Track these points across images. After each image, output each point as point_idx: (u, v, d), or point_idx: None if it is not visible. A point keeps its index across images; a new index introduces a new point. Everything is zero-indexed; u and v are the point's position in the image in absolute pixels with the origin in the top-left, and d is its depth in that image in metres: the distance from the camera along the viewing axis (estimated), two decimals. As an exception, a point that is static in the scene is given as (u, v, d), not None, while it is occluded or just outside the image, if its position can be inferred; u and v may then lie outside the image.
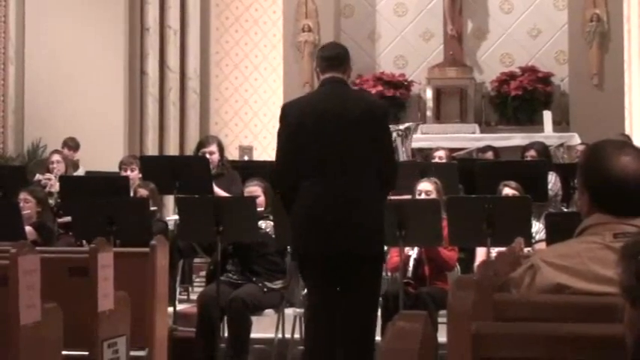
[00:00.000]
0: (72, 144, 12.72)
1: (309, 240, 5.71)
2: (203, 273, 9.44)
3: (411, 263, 7.61)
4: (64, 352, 5.08)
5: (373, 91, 14.88)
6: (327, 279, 5.68)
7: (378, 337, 5.95)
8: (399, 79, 15.51)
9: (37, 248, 5.18)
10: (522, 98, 15.07)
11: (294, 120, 5.75)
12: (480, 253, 7.87)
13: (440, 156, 11.29)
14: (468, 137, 14.12)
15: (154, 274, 6.39)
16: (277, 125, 5.94)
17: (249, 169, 10.20)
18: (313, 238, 5.68)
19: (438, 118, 15.22)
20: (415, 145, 12.41)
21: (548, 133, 13.78)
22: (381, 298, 7.80)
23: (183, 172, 9.21)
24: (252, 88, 16.39)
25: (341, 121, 5.64)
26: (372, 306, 5.88)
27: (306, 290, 6.23)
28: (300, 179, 5.70)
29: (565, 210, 9.54)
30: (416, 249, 7.64)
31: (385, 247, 7.84)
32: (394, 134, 11.25)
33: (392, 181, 5.89)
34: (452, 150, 12.38)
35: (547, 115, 14.23)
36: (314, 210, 5.66)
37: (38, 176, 10.72)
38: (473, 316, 2.62)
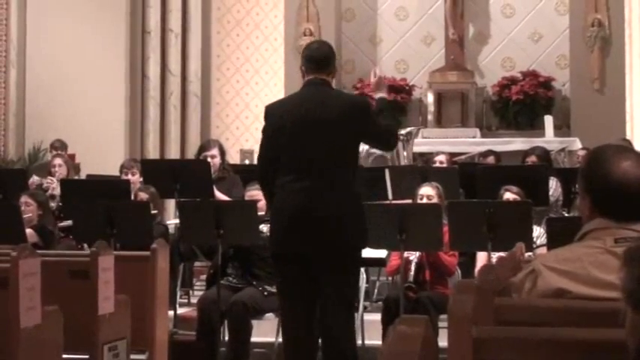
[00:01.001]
0: (58, 144, 12.70)
1: (284, 239, 5.72)
2: (203, 277, 9.42)
3: (413, 267, 7.61)
4: (64, 355, 5.08)
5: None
6: (300, 280, 5.67)
7: (376, 342, 5.94)
8: (400, 84, 15.51)
9: (38, 251, 5.18)
10: (523, 103, 15.07)
11: (275, 120, 5.80)
12: (481, 258, 7.87)
13: (441, 160, 11.28)
14: (468, 142, 14.12)
15: (155, 278, 6.40)
16: None
17: (250, 172, 10.20)
18: (290, 238, 5.68)
19: (439, 122, 15.22)
20: (416, 149, 12.42)
21: (549, 138, 13.77)
22: (381, 302, 7.83)
23: (183, 176, 9.21)
24: (253, 92, 16.39)
25: (319, 122, 5.67)
26: (348, 305, 5.83)
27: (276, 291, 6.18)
28: (278, 178, 5.75)
29: (566, 215, 9.53)
30: (417, 253, 7.64)
31: (385, 251, 7.87)
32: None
33: (392, 142, 6.18)
34: (453, 154, 12.38)
35: (548, 120, 14.23)
36: (287, 210, 5.67)
37: (34, 178, 10.71)
38: (474, 320, 2.62)
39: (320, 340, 5.81)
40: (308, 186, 5.63)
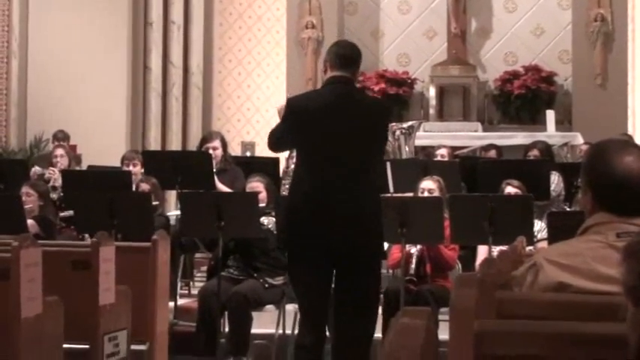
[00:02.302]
0: (61, 135, 12.70)
1: (306, 233, 5.64)
2: (204, 268, 9.43)
3: (414, 260, 7.61)
4: (64, 346, 5.09)
5: (376, 88, 14.90)
6: (320, 276, 5.63)
7: (377, 334, 5.92)
8: (402, 77, 15.50)
9: (39, 242, 5.18)
10: (525, 97, 15.07)
11: (301, 112, 5.75)
12: (482, 252, 7.87)
13: (442, 154, 11.28)
14: (470, 136, 14.12)
15: (156, 269, 6.40)
16: (279, 121, 5.98)
17: (251, 164, 10.21)
18: (310, 231, 5.61)
19: (441, 116, 15.21)
20: (418, 142, 12.40)
21: (550, 133, 13.77)
22: (382, 295, 7.83)
23: (185, 168, 9.22)
24: (254, 84, 16.38)
25: (345, 120, 5.64)
26: (373, 304, 5.82)
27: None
28: (300, 171, 5.76)
29: (568, 209, 9.53)
30: (418, 246, 7.64)
31: (386, 244, 7.87)
32: (397, 132, 11.27)
33: (382, 185, 6.11)
34: (454, 148, 12.38)
35: (550, 115, 14.22)
36: (311, 205, 5.61)
37: (36, 169, 10.72)
38: (475, 313, 2.62)
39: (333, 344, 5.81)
40: (332, 182, 5.58)
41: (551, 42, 15.48)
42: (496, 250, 7.22)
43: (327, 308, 5.73)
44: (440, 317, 6.89)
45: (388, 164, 9.61)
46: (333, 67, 5.76)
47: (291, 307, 7.81)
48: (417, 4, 15.86)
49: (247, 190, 8.25)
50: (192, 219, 7.90)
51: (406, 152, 11.38)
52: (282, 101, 6.61)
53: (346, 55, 5.78)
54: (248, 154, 14.69)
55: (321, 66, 6.25)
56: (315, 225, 5.58)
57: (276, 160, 10.70)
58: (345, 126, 5.63)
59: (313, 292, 5.67)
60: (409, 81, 15.54)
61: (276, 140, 5.95)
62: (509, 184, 8.19)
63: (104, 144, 13.73)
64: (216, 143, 9.77)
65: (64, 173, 9.96)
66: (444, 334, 2.76)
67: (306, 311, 5.78)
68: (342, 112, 5.66)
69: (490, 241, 7.38)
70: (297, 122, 5.74)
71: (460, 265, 7.91)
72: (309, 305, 5.72)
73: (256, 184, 8.17)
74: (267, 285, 7.66)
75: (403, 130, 11.37)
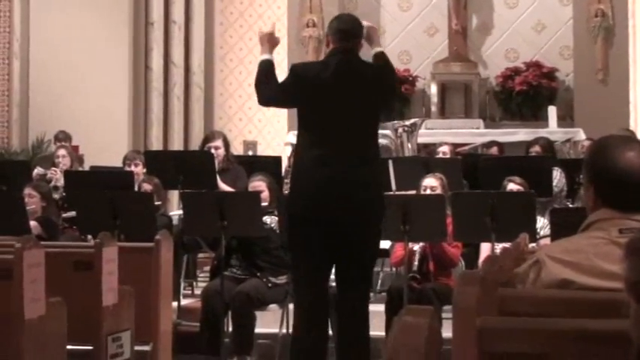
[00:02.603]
0: (62, 136, 12.71)
1: (309, 203, 5.67)
2: (207, 268, 9.43)
3: (417, 258, 7.61)
4: (68, 347, 5.09)
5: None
6: (319, 244, 5.65)
7: (380, 333, 5.93)
8: (403, 75, 15.50)
9: (42, 243, 5.19)
10: (527, 93, 15.07)
11: (306, 79, 5.78)
12: (485, 249, 7.87)
13: (444, 151, 11.27)
14: (472, 132, 14.10)
15: (159, 269, 6.40)
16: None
17: (253, 164, 10.20)
18: (314, 202, 5.64)
19: (443, 113, 15.22)
20: (420, 140, 12.40)
21: (552, 129, 13.75)
22: (385, 293, 7.84)
23: (187, 167, 9.21)
24: (256, 83, 16.36)
25: (348, 89, 5.71)
26: (368, 279, 5.95)
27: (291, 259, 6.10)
28: (302, 140, 5.78)
29: (570, 206, 9.52)
30: (420, 244, 7.64)
31: (389, 242, 7.87)
32: (400, 130, 11.28)
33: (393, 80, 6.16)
34: (456, 145, 12.37)
35: (552, 111, 14.21)
36: (315, 175, 5.65)
37: (38, 170, 10.72)
38: (478, 311, 2.62)
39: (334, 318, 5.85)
40: (336, 152, 5.63)
41: (552, 38, 15.49)
42: (499, 247, 7.21)
43: (327, 296, 5.77)
44: (443, 315, 6.90)
45: (390, 162, 9.62)
46: (334, 41, 5.84)
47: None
48: (417, 1, 15.88)
49: (250, 189, 8.24)
50: (194, 219, 7.89)
51: (408, 150, 11.39)
52: (264, 29, 6.52)
53: (347, 30, 5.85)
54: (250, 153, 14.69)
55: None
56: (318, 200, 5.62)
57: (279, 159, 10.71)
58: (349, 95, 5.69)
59: (314, 258, 5.71)
60: (410, 78, 15.54)
61: (271, 95, 5.92)
62: (511, 180, 8.18)
63: (106, 144, 13.74)
64: (219, 143, 9.77)
65: (67, 174, 9.96)
66: (447, 331, 2.76)
67: (304, 289, 5.79)
68: (345, 81, 5.72)
69: (493, 238, 7.38)
70: (301, 89, 5.76)
71: (463, 263, 7.91)
72: (308, 275, 5.75)
73: (259, 184, 8.17)
74: (270, 284, 7.66)
75: (405, 128, 11.38)
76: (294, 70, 5.91)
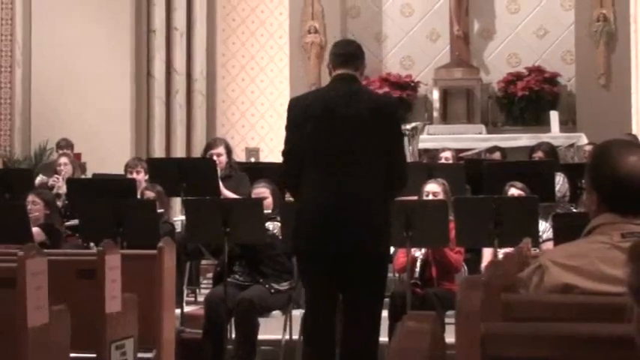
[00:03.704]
0: (64, 144, 12.72)
1: (313, 238, 5.57)
2: (210, 275, 9.43)
3: (419, 264, 7.60)
4: (71, 355, 5.08)
5: (380, 92, 14.87)
6: (327, 280, 5.57)
7: (383, 338, 5.90)
8: (405, 80, 15.51)
9: (45, 250, 5.18)
10: (529, 98, 15.07)
11: (299, 113, 5.66)
12: (487, 254, 7.86)
13: (446, 157, 11.28)
14: (474, 138, 14.10)
15: (162, 276, 6.40)
16: (283, 128, 5.91)
17: (255, 170, 10.20)
18: (317, 236, 5.54)
19: (445, 118, 15.22)
20: (422, 145, 12.40)
21: (554, 134, 13.76)
22: (388, 299, 7.82)
23: (190, 174, 9.21)
24: (258, 90, 16.39)
25: (348, 118, 5.54)
26: (376, 308, 5.73)
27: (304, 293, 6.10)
28: (304, 172, 5.62)
29: (573, 210, 9.52)
30: (423, 250, 7.63)
31: (392, 248, 7.86)
32: (402, 134, 11.25)
33: (403, 178, 5.69)
34: (458, 151, 12.38)
35: (554, 116, 14.21)
36: (318, 208, 5.54)
37: (41, 178, 10.72)
38: (481, 316, 2.61)
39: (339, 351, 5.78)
40: (336, 183, 5.51)
41: (554, 43, 15.49)
42: (501, 252, 7.21)
43: (334, 317, 5.71)
44: (446, 320, 6.89)
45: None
46: (335, 66, 5.72)
47: (297, 313, 7.80)
48: (419, 7, 15.88)
49: (253, 195, 8.24)
50: (197, 226, 7.89)
51: (410, 155, 11.37)
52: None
53: (345, 53, 5.74)
54: (252, 159, 14.70)
55: (325, 70, 6.26)
56: (317, 234, 5.52)
57: (282, 166, 10.68)
58: (349, 121, 5.52)
59: (319, 296, 5.65)
60: (413, 84, 15.55)
61: (286, 158, 5.77)
62: (512, 185, 8.18)
63: (108, 151, 13.75)
64: (221, 149, 9.77)
65: (69, 181, 9.96)
66: (450, 337, 2.76)
67: (312, 318, 5.74)
68: (345, 108, 5.56)
69: (495, 244, 7.37)
70: (296, 121, 5.66)
71: (466, 268, 7.90)
72: (314, 309, 5.71)
73: (262, 190, 8.17)
74: (273, 290, 7.66)
75: (407, 132, 11.36)
76: (289, 105, 5.80)
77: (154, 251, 6.44)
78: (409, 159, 11.02)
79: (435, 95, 15.23)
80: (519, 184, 8.18)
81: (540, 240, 7.62)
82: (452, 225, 7.47)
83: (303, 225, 5.64)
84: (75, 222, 8.90)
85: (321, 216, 5.51)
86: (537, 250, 6.57)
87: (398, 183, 5.70)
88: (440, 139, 13.82)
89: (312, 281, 5.69)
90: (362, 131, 5.54)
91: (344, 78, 5.67)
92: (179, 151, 15.41)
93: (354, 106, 5.56)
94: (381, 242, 5.64)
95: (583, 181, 7.79)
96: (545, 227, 7.92)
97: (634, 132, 13.81)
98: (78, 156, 12.97)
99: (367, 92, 6.01)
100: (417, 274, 7.58)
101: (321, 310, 5.66)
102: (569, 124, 14.80)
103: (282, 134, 5.99)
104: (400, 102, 14.95)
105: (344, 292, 5.64)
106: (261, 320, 7.62)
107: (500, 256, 7.04)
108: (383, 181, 5.56)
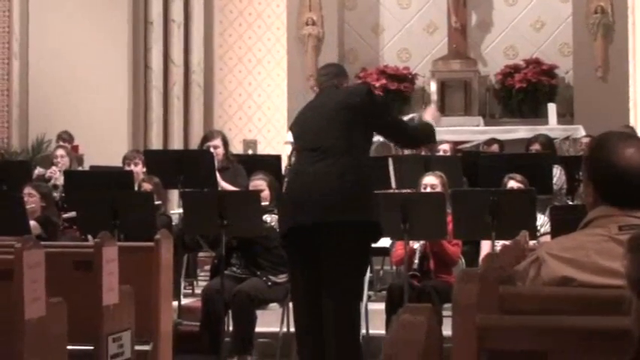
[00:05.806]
0: (66, 136, 12.72)
1: (288, 217, 5.92)
2: (207, 267, 9.43)
3: (417, 255, 7.60)
4: (68, 347, 5.08)
5: (377, 84, 14.87)
6: (306, 256, 5.75)
7: (380, 331, 5.91)
8: (402, 73, 15.49)
9: (42, 243, 5.18)
10: (526, 91, 15.05)
11: (293, 125, 6.31)
12: (485, 247, 7.86)
13: (444, 149, 11.27)
14: (472, 130, 14.08)
15: (159, 269, 6.40)
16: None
17: (253, 162, 10.20)
18: (290, 214, 5.86)
19: (442, 111, 15.15)
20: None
21: (552, 126, 13.73)
22: (385, 292, 7.83)
23: (187, 166, 9.21)
24: (255, 82, 16.37)
25: (324, 110, 5.96)
26: (350, 278, 5.80)
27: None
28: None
29: (570, 203, 9.52)
30: (420, 242, 7.63)
31: (389, 241, 7.86)
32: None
33: (410, 138, 6.59)
34: (456, 143, 12.36)
35: (551, 108, 14.19)
36: (291, 191, 6.02)
37: (39, 170, 10.72)
38: (478, 308, 2.61)
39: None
40: (314, 168, 5.79)
41: (552, 35, 15.46)
42: (499, 244, 7.21)
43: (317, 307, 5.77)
44: (443, 313, 6.89)
45: (390, 160, 9.61)
46: (319, 85, 6.34)
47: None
48: (416, -1, 15.86)
49: (250, 188, 8.24)
50: (194, 218, 7.89)
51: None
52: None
53: (327, 73, 6.29)
54: (250, 151, 14.69)
55: (321, 63, 6.51)
56: (294, 212, 5.82)
57: (279, 158, 10.70)
58: (325, 113, 5.94)
59: (299, 276, 5.89)
60: (410, 76, 15.52)
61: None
62: (511, 178, 8.18)
63: (106, 143, 13.74)
64: (218, 142, 9.77)
65: (66, 173, 9.96)
66: (447, 329, 2.76)
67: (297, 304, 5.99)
68: (323, 106, 6.03)
69: (493, 236, 7.37)
70: (294, 135, 6.30)
71: (463, 261, 7.91)
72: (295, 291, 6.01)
73: (259, 182, 8.17)
74: (270, 283, 7.66)
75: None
76: (289, 128, 6.69)
77: (151, 243, 6.44)
78: (407, 151, 11.03)
79: (433, 87, 15.21)
80: (518, 177, 8.17)
81: (538, 233, 7.62)
82: (449, 217, 7.47)
83: (284, 207, 6.15)
84: (72, 214, 8.89)
85: (296, 194, 5.86)
86: (535, 243, 6.57)
87: (409, 143, 7.00)
88: (437, 131, 13.74)
89: (294, 261, 5.93)
90: (331, 123, 5.89)
91: (326, 87, 6.20)
92: (176, 143, 15.40)
93: (331, 100, 6.02)
94: (356, 209, 5.74)
95: (580, 173, 7.80)
96: (543, 221, 7.92)
97: (632, 124, 13.81)
98: (75, 148, 12.96)
99: (343, 88, 6.29)
100: (415, 266, 7.58)
101: (301, 294, 5.88)
102: (566, 116, 14.78)
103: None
104: (397, 94, 14.98)
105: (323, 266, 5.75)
106: (259, 312, 7.63)
107: (498, 248, 7.04)
108: (352, 160, 5.83)
